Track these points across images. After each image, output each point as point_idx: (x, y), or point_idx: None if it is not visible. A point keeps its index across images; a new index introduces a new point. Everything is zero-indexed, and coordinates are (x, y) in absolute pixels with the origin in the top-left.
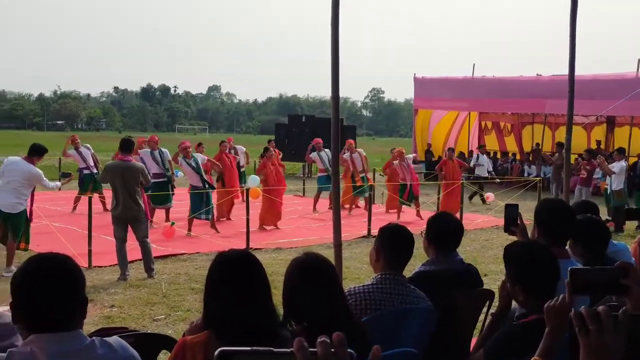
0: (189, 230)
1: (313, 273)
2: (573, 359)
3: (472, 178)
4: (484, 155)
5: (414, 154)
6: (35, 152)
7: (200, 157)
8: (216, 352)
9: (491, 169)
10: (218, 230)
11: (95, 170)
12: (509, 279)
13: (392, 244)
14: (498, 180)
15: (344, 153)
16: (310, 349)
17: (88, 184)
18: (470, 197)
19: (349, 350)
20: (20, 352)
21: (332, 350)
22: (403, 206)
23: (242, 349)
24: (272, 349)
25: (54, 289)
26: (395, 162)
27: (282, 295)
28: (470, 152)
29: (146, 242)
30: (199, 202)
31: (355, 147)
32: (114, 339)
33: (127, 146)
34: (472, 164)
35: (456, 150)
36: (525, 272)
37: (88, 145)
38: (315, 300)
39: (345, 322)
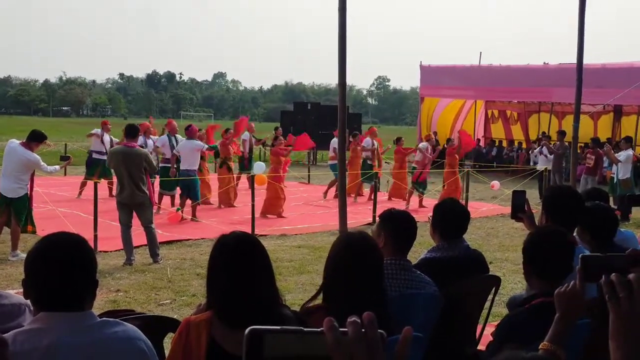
0: (194, 215)
1: (364, 253)
2: (604, 326)
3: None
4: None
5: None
6: (34, 138)
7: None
8: (246, 331)
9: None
10: (198, 219)
11: (104, 157)
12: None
13: (394, 228)
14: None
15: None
16: (341, 329)
17: (95, 168)
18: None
19: (379, 330)
20: (25, 332)
21: (363, 330)
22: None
23: (272, 328)
24: (302, 328)
25: (67, 268)
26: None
27: (324, 271)
28: (478, 140)
29: (151, 227)
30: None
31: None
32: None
33: (131, 132)
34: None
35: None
36: (535, 254)
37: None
38: (362, 281)
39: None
